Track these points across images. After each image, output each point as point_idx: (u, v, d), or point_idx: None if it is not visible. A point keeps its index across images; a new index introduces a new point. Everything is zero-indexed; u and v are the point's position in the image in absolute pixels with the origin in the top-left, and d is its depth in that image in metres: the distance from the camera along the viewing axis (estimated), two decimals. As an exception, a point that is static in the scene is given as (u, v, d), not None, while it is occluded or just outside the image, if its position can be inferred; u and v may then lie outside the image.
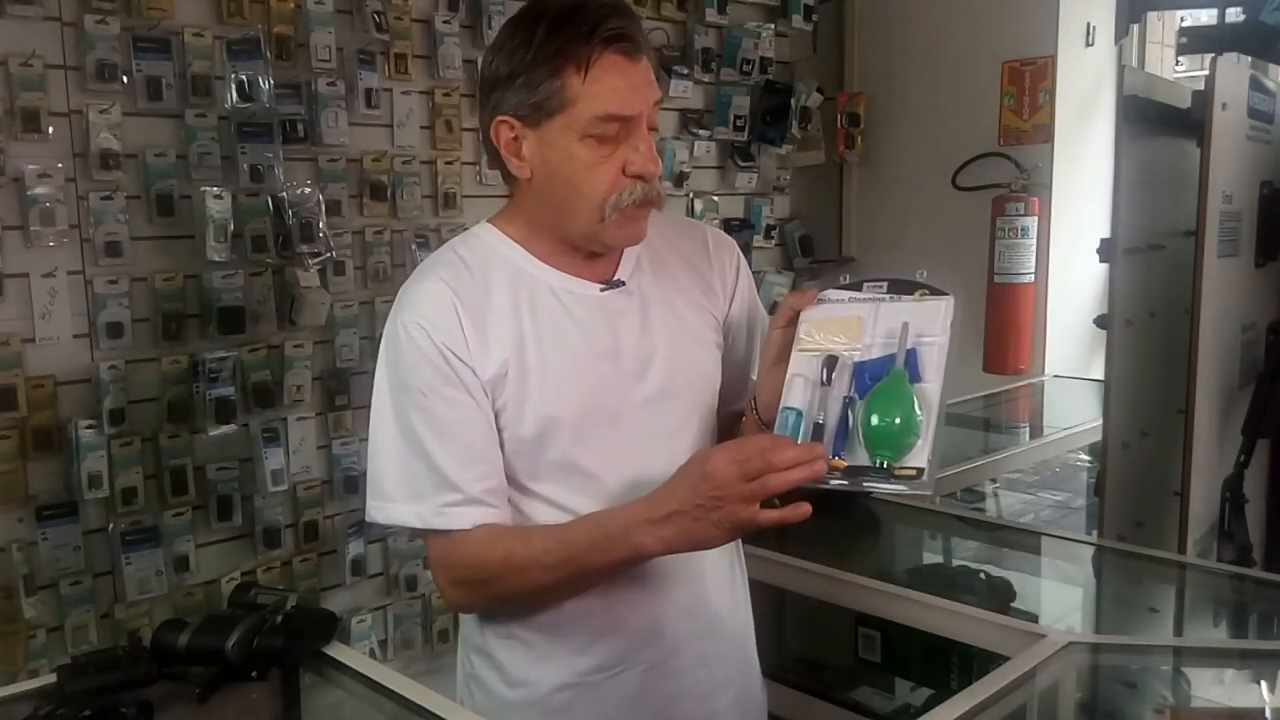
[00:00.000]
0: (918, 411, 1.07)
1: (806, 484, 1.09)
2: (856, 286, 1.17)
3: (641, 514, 1.12)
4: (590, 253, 1.27)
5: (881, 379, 1.10)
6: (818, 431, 1.10)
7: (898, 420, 1.07)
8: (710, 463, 1.06)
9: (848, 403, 1.10)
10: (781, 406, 1.13)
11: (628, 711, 1.29)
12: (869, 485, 1.08)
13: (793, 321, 1.18)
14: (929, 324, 1.11)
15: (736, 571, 1.41)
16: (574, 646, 1.27)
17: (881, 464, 1.06)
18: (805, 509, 1.05)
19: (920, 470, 1.05)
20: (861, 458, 1.08)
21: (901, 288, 1.15)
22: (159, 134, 2.27)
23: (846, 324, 1.14)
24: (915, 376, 1.09)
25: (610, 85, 1.14)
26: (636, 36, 1.16)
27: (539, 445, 1.23)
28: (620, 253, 1.30)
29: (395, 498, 1.22)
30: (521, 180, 1.23)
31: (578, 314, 1.25)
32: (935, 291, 1.13)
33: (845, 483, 1.08)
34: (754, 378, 1.30)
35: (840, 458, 1.08)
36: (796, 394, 1.13)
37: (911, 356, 1.10)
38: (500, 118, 1.20)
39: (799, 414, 1.12)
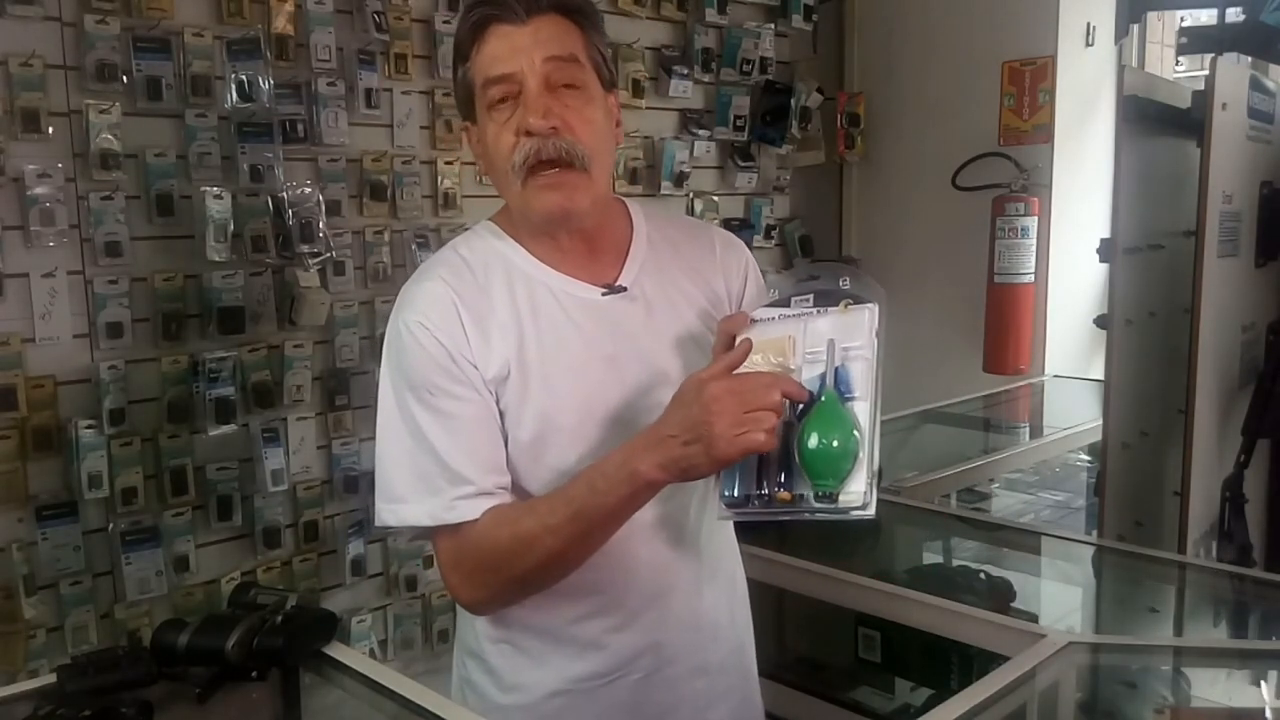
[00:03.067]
0: (854, 433, 1.04)
1: (753, 518, 1.09)
2: (785, 302, 1.15)
3: (636, 443, 1.11)
4: (587, 252, 1.27)
5: (815, 402, 1.07)
6: (763, 462, 1.08)
7: (835, 443, 1.04)
8: (708, 390, 1.05)
9: (786, 428, 1.07)
10: None
11: None
12: (812, 516, 1.06)
13: (729, 345, 1.14)
14: (854, 336, 1.08)
15: (736, 579, 1.40)
16: (568, 653, 1.27)
17: (825, 493, 1.04)
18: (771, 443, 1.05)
19: (862, 493, 1.03)
20: (805, 487, 1.06)
21: (827, 299, 1.12)
22: (159, 134, 2.27)
23: (779, 344, 1.11)
24: (845, 393, 1.07)
25: (490, 52, 1.19)
26: (514, 7, 1.18)
27: (537, 449, 1.22)
28: (624, 256, 1.29)
29: (406, 498, 1.21)
30: None
31: (578, 318, 1.24)
32: (859, 300, 1.11)
33: (788, 514, 1.07)
34: None
35: (783, 489, 1.06)
36: None
37: (840, 373, 1.08)
38: (464, 125, 1.29)
39: None
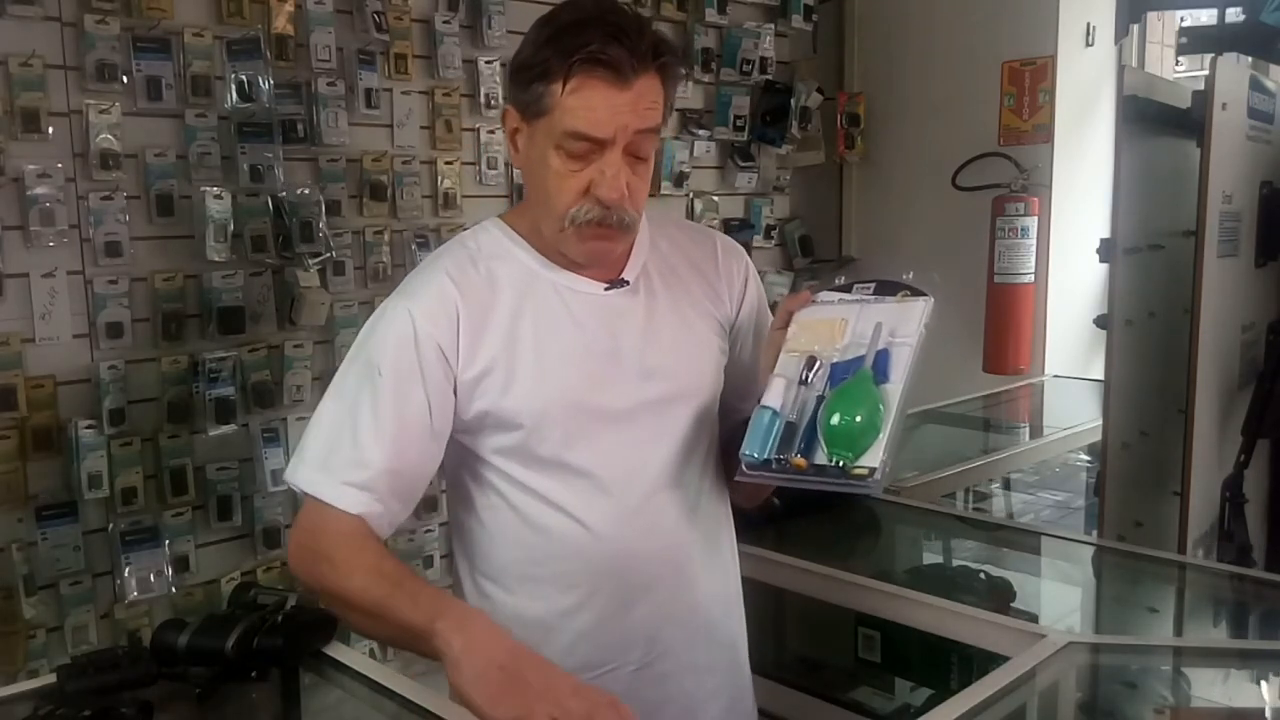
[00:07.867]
0: (880, 411, 1.07)
1: (770, 481, 1.11)
2: (847, 288, 1.19)
3: (457, 644, 1.07)
4: None
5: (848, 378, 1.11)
6: (789, 430, 1.11)
7: (858, 419, 1.07)
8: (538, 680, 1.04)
9: (819, 402, 1.11)
10: (759, 405, 1.14)
11: None
12: (823, 485, 1.08)
13: (786, 323, 1.19)
14: (904, 324, 1.13)
15: (730, 578, 1.41)
16: (560, 645, 1.27)
17: (837, 463, 1.07)
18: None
19: (872, 470, 1.06)
20: (821, 457, 1.08)
21: (888, 289, 1.17)
22: (159, 134, 2.27)
23: (830, 325, 1.15)
24: (883, 377, 1.10)
25: (584, 103, 1.14)
26: (624, 64, 1.12)
27: (530, 440, 1.23)
28: (627, 255, 1.30)
29: (309, 462, 1.23)
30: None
31: (578, 312, 1.26)
32: (917, 292, 1.15)
33: (801, 481, 1.09)
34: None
35: (802, 456, 1.09)
36: (775, 393, 1.14)
37: (883, 357, 1.11)
38: (508, 105, 1.25)
39: (774, 413, 1.13)
